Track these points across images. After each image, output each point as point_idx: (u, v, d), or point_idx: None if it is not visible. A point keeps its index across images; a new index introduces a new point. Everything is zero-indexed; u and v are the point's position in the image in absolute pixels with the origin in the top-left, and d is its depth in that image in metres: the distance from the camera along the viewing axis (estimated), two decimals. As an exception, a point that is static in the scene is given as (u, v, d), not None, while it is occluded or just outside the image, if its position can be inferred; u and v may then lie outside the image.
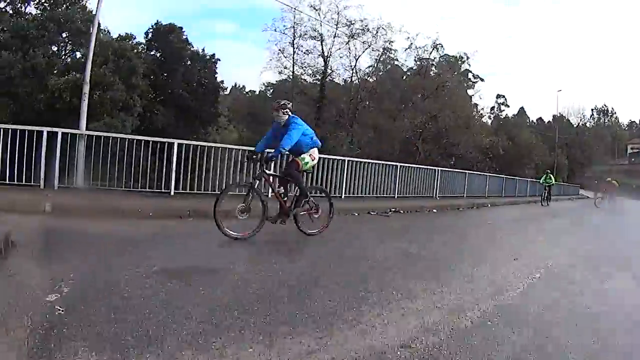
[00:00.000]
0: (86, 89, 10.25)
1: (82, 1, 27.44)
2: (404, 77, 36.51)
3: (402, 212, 11.46)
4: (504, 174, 26.17)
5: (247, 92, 54.81)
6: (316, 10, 31.36)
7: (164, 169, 9.50)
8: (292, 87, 34.75)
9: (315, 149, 6.51)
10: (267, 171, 6.44)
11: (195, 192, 9.79)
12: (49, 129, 8.42)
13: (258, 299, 3.57)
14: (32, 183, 8.35)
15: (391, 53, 33.88)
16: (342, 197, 12.10)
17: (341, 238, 7.02)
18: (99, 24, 28.30)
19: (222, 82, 34.65)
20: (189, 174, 9.79)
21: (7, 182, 8.09)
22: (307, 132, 6.30)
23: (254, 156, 6.37)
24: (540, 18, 79.83)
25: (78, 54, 25.65)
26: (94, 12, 28.11)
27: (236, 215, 5.85)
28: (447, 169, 18.74)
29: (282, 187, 6.46)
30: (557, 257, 6.68)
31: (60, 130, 8.52)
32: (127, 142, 9.20)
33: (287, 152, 6.36)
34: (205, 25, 67.83)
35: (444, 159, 31.87)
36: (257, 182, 6.11)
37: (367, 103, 33.35)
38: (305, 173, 6.71)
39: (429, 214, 12.45)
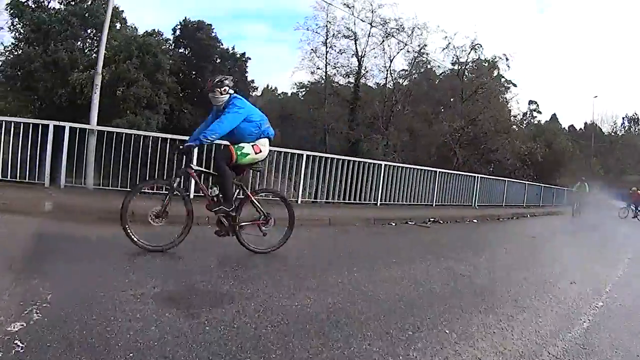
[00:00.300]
0: (98, 80, 9.66)
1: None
2: (440, 79, 35.34)
3: (441, 222, 10.81)
4: (540, 182, 25.26)
5: (279, 94, 53.91)
6: (350, 7, 30.13)
7: None
8: (324, 88, 33.49)
9: (265, 141, 5.14)
10: (194, 166, 5.40)
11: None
12: (55, 122, 7.89)
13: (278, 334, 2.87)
14: (35, 181, 7.79)
15: (427, 54, 32.69)
16: (378, 204, 11.63)
17: (378, 253, 6.40)
18: (123, 18, 29.02)
19: (252, 81, 34.10)
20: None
21: (9, 179, 7.62)
22: (252, 118, 5.00)
23: (181, 147, 5.25)
24: (564, 27, 76.99)
25: (106, 52, 25.26)
26: (120, 8, 28.88)
27: (149, 221, 4.80)
28: (486, 176, 17.89)
29: (218, 187, 5.06)
30: (611, 278, 6.18)
31: (67, 125, 7.96)
32: (142, 140, 8.68)
33: (216, 142, 5.44)
34: (236, 27, 67.67)
35: (482, 165, 30.69)
36: (178, 179, 4.95)
37: (403, 106, 32.24)
38: (252, 172, 5.73)
39: (469, 225, 11.81)
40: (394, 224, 9.54)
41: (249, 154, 4.98)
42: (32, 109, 22.97)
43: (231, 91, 5.03)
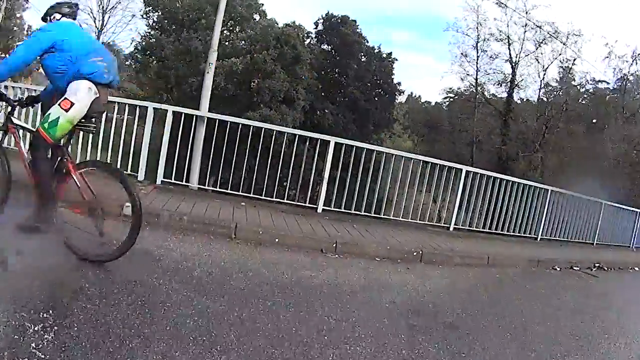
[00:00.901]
0: (213, 57, 8.14)
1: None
2: (598, 93, 30.51)
3: (605, 268, 8.77)
4: None
5: (423, 103, 52.41)
6: (502, 6, 26.98)
7: (311, 177, 7.34)
8: (474, 96, 31.08)
9: (84, 85, 3.41)
10: (15, 119, 3.73)
11: (345, 210, 7.39)
12: (155, 105, 6.78)
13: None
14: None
15: (583, 64, 28.52)
16: (538, 238, 9.71)
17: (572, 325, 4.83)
18: (263, 11, 28.73)
19: (398, 83, 31.38)
20: (346, 186, 7.37)
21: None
22: (63, 46, 3.35)
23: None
24: None
25: (242, 42, 24.92)
26: (259, 1, 28.60)
27: None
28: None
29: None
30: None
31: (170, 108, 6.72)
32: (262, 133, 7.13)
33: None
34: (379, 31, 66.42)
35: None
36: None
37: (557, 123, 28.05)
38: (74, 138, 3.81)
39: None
40: (558, 269, 7.87)
41: (57, 119, 3.37)
42: (165, 97, 23.31)
43: (64, 19, 3.55)
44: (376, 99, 30.03)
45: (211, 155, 6.86)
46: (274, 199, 7.02)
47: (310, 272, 4.66)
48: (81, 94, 3.39)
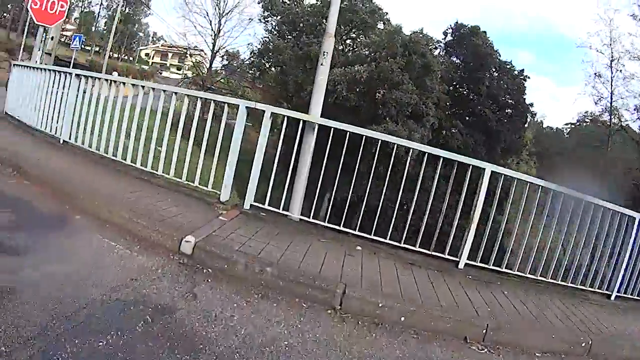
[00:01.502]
0: (328, 45, 5.97)
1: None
2: None
3: None
4: None
5: (545, 128, 49.70)
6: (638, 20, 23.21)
7: (457, 217, 5.10)
8: (609, 122, 27.38)
9: None
10: None
11: (493, 267, 5.19)
12: (249, 103, 5.15)
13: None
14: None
15: None
16: None
17: None
18: (387, 20, 26.86)
19: (531, 104, 28.14)
20: (499, 234, 5.21)
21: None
22: None
23: None
24: None
25: (365, 49, 23.30)
26: (381, 9, 26.86)
27: None
28: None
29: None
30: None
31: (268, 108, 5.02)
32: (393, 153, 4.97)
33: None
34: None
35: None
36: None
37: None
38: None
39: None
40: None
41: None
42: (286, 105, 22.20)
43: None
44: (506, 120, 26.90)
45: (321, 176, 4.98)
46: (401, 245, 5.00)
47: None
48: None
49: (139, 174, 5.62)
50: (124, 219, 4.04)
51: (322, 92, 5.72)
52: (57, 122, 6.69)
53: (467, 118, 25.50)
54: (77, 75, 6.51)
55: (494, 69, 26.92)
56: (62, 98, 6.58)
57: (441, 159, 4.87)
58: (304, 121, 5.09)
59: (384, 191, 4.95)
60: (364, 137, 4.88)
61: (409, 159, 5.25)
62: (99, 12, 59.46)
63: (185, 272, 3.45)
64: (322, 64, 5.78)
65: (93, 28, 57.68)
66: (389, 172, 4.89)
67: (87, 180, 4.99)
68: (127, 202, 4.44)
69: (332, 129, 4.90)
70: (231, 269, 3.60)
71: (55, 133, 6.70)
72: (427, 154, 4.89)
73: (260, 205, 5.03)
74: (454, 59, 27.57)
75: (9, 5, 51.01)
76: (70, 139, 6.45)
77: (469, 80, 26.08)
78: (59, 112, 6.65)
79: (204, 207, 4.88)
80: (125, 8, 57.76)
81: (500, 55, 27.33)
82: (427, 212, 4.98)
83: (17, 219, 3.83)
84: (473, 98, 25.77)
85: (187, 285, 3.27)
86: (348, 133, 4.86)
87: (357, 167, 4.97)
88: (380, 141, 4.88)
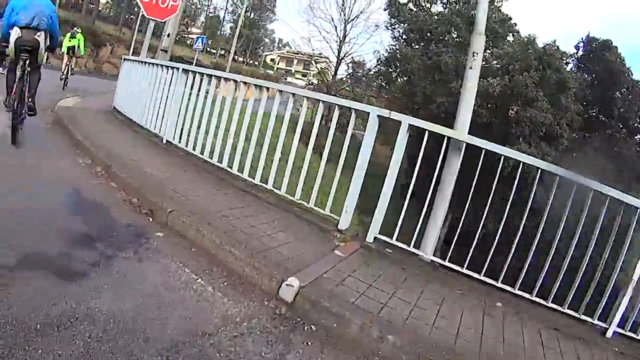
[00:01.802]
0: (478, 44, 4.76)
1: (497, 2, 24.19)
2: None
3: None
4: None
5: None
6: None
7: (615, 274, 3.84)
8: None
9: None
10: None
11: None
12: (381, 112, 4.29)
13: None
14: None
15: None
16: None
17: None
18: (516, 31, 24.92)
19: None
20: None
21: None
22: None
23: None
24: None
25: (495, 61, 21.68)
26: (511, 18, 24.99)
27: None
28: None
29: None
30: None
31: (405, 119, 4.16)
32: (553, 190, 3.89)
33: None
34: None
35: None
36: None
37: None
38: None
39: None
40: None
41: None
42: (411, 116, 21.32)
43: None
44: (638, 147, 23.67)
45: (465, 210, 3.88)
46: (549, 304, 3.76)
47: None
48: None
49: (245, 186, 4.94)
50: (214, 245, 3.32)
51: (471, 102, 4.66)
52: (162, 120, 6.32)
53: (598, 141, 22.49)
54: (185, 71, 6.07)
55: (625, 89, 23.85)
56: (168, 95, 6.19)
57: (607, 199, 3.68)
58: (449, 138, 4.06)
59: (537, 235, 3.79)
60: (522, 163, 3.76)
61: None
62: (224, 17, 62.22)
63: (281, 329, 2.60)
64: (470, 68, 4.75)
65: (218, 32, 60.38)
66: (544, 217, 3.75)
67: (181, 188, 4.38)
68: (223, 222, 3.71)
69: (484, 150, 3.84)
70: (341, 330, 2.70)
71: (159, 132, 6.33)
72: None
73: (386, 239, 4.06)
74: (585, 75, 24.72)
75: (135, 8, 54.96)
76: (174, 139, 6.01)
77: (600, 100, 23.38)
78: (164, 109, 6.27)
79: (317, 236, 4.04)
80: (250, 13, 59.90)
81: (632, 74, 24.08)
82: (585, 264, 3.75)
83: (89, 229, 3.24)
84: (604, 120, 23.28)
85: (279, 348, 2.41)
86: (502, 157, 3.78)
87: (509, 203, 3.85)
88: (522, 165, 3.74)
